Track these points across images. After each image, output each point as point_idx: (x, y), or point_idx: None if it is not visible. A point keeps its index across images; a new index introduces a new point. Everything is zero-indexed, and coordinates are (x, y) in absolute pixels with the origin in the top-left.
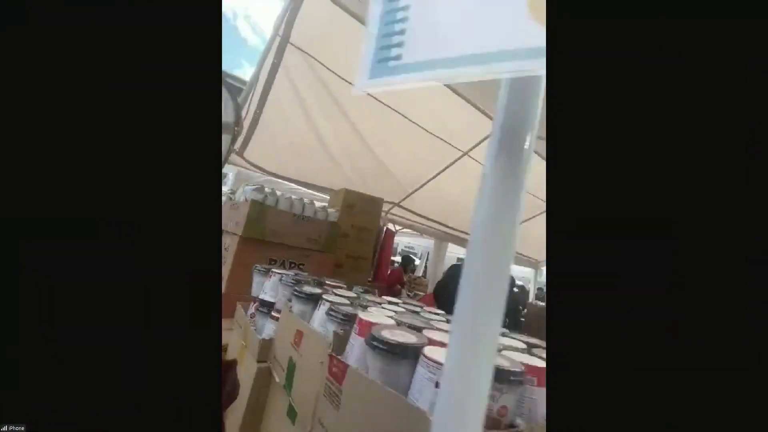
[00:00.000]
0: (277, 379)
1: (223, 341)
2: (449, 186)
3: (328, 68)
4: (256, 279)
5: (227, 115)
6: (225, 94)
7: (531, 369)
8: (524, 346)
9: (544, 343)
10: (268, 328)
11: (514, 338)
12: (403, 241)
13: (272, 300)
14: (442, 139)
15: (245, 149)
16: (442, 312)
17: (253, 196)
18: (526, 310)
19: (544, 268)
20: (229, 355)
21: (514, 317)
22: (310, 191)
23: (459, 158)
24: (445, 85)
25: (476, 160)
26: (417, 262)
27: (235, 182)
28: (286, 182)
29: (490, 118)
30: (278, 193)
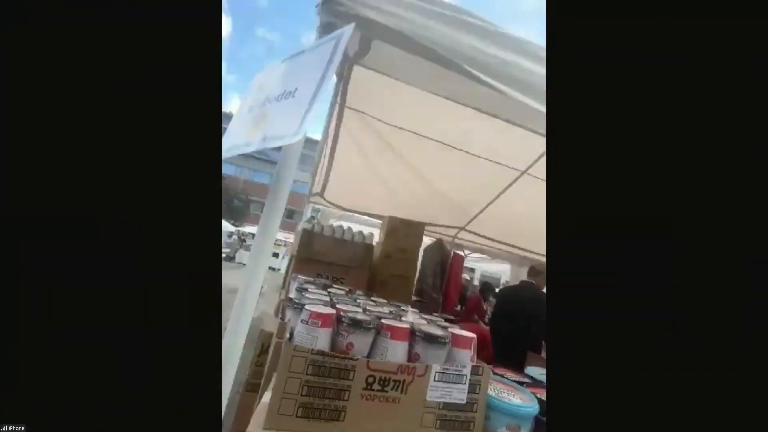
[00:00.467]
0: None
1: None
2: (513, 206)
3: (378, 119)
4: (292, 284)
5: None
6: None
7: (388, 327)
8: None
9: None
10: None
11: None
12: (480, 267)
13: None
14: (494, 161)
15: (324, 191)
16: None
17: (304, 225)
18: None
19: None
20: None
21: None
22: (376, 220)
23: (518, 177)
24: (483, 111)
25: (537, 177)
26: (497, 290)
27: (321, 218)
28: (357, 215)
29: (542, 135)
30: (326, 222)
